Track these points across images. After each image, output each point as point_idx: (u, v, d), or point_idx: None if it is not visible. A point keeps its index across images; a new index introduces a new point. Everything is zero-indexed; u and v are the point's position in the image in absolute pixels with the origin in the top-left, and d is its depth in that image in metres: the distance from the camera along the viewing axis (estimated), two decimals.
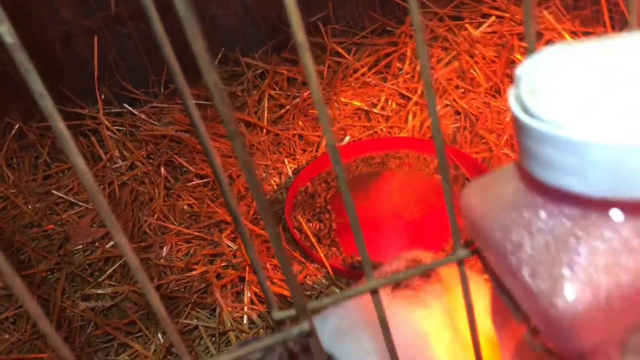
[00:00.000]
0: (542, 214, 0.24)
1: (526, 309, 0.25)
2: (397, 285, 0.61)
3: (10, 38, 0.23)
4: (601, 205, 0.22)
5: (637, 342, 0.23)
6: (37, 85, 0.24)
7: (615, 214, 0.22)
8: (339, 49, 1.31)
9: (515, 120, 0.24)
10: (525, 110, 0.23)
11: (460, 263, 0.33)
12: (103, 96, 1.25)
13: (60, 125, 0.25)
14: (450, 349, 0.57)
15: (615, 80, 0.23)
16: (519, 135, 0.24)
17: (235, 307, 0.88)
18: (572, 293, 0.21)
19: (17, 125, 1.19)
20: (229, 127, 0.26)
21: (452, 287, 0.68)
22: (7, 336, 0.91)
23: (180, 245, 1.03)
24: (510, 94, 0.25)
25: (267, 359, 0.52)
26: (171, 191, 1.14)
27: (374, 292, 0.34)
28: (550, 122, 0.22)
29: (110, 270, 0.98)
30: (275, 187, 1.17)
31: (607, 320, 0.22)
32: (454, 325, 0.64)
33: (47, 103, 0.24)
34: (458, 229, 0.33)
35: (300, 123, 1.23)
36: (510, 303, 0.27)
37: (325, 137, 0.27)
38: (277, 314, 0.30)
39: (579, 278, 0.22)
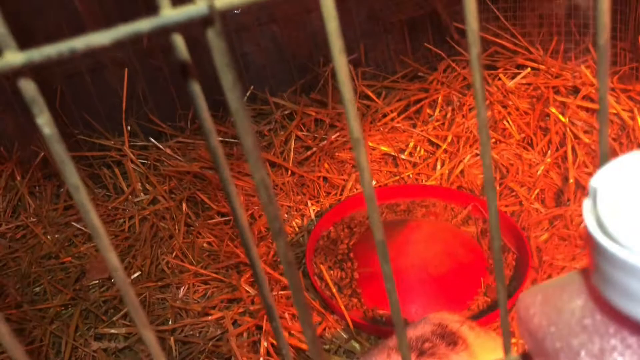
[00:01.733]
0: (618, 345, 0.21)
1: None
2: (421, 353, 0.58)
3: (48, 129, 0.21)
4: None
5: None
6: (73, 179, 0.22)
7: None
8: (369, 92, 1.30)
9: (591, 239, 0.21)
10: (604, 231, 0.21)
11: None
12: (129, 128, 1.25)
13: (94, 219, 0.23)
14: None
15: None
16: (593, 255, 0.22)
17: (251, 358, 0.85)
18: None
19: (42, 154, 1.19)
20: (274, 224, 0.24)
21: (478, 355, 0.64)
22: None
23: (198, 286, 1.00)
24: (586, 207, 0.22)
25: None
26: (191, 228, 1.12)
27: None
28: (634, 250, 0.19)
29: (125, 310, 0.96)
30: (297, 229, 1.15)
31: None
32: None
33: (81, 197, 0.22)
34: (509, 329, 0.30)
35: (326, 165, 1.21)
36: None
37: (362, 185, 0.25)
38: None
39: None
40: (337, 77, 0.23)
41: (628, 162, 0.23)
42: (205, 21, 0.19)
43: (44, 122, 0.22)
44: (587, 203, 0.22)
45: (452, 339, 0.61)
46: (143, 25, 0.19)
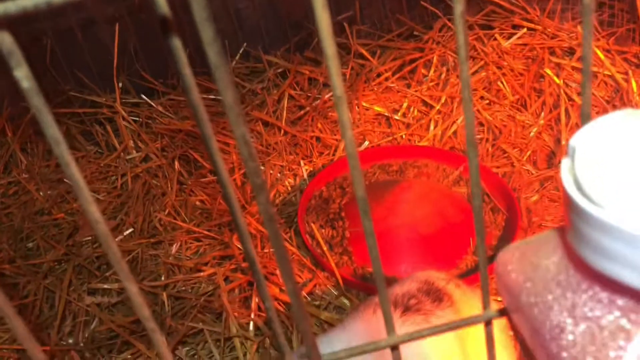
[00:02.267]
0: (589, 301, 0.22)
1: None
2: (407, 309, 0.59)
3: (27, 83, 0.21)
4: None
5: None
6: (52, 130, 0.22)
7: None
8: (364, 51, 1.28)
9: (567, 197, 0.22)
10: (580, 190, 0.21)
11: (488, 323, 0.31)
12: (121, 85, 1.24)
13: (75, 173, 0.23)
14: None
15: None
16: (569, 213, 0.22)
17: (242, 313, 0.87)
18: None
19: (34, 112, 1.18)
20: (255, 180, 0.24)
21: (463, 312, 0.65)
22: None
23: (190, 243, 1.01)
24: (564, 166, 0.22)
25: None
26: (184, 186, 1.12)
27: (395, 349, 0.32)
28: (608, 209, 0.20)
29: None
30: (290, 188, 1.15)
31: None
32: (464, 351, 0.62)
33: (62, 149, 0.22)
34: (488, 286, 0.31)
35: (319, 125, 1.21)
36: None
37: (344, 142, 0.25)
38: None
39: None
40: (320, 34, 0.23)
41: (608, 122, 0.23)
42: None
43: (22, 75, 0.21)
44: (565, 161, 0.22)
45: (437, 296, 0.63)
46: None
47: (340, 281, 0.93)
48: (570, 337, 0.22)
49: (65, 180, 1.13)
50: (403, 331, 0.60)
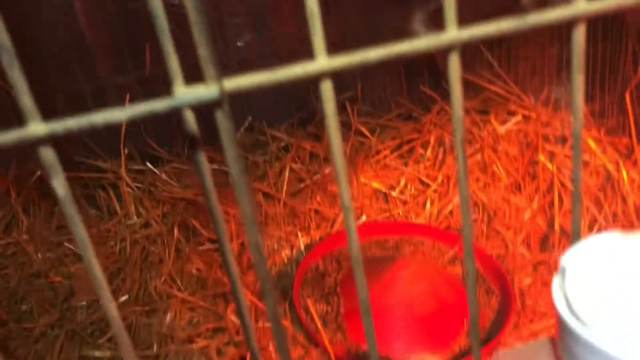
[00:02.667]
0: None
1: None
2: None
3: (62, 191, 0.23)
4: None
5: None
6: (79, 231, 0.24)
7: None
8: (364, 129, 1.33)
9: (558, 314, 0.23)
10: (570, 308, 0.23)
11: None
12: (127, 151, 1.27)
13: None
14: None
15: None
16: (560, 327, 0.24)
17: None
18: None
19: (39, 172, 1.20)
20: (265, 285, 0.26)
21: None
22: None
23: (184, 313, 1.01)
24: (555, 283, 0.24)
25: None
26: (181, 253, 1.13)
27: None
28: (595, 330, 0.22)
29: (111, 333, 0.97)
30: (286, 260, 1.16)
31: None
32: None
33: (89, 255, 0.24)
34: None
35: (318, 198, 1.23)
36: None
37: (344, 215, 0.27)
38: None
39: None
40: (333, 156, 0.25)
41: (597, 243, 0.25)
42: (215, 104, 0.21)
43: (59, 184, 0.24)
44: (556, 279, 0.24)
45: None
46: (158, 105, 0.21)
47: (334, 359, 0.93)
48: None
49: (65, 243, 1.14)
50: None
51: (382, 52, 0.27)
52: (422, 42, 0.27)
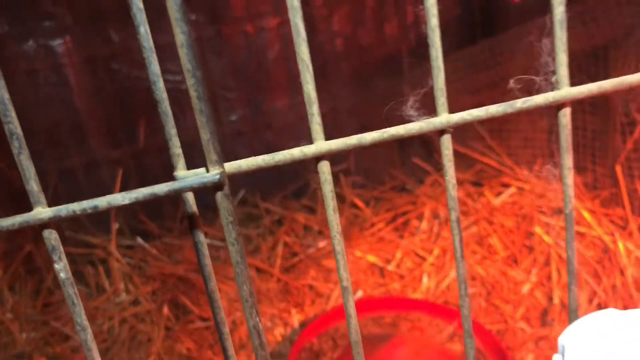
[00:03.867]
0: None
1: None
2: None
3: (64, 274, 0.22)
4: None
5: None
6: (80, 319, 0.23)
7: None
8: (358, 201, 1.32)
9: None
10: None
11: None
12: (117, 226, 1.25)
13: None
14: None
15: None
16: None
17: None
18: None
19: (28, 249, 1.18)
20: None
21: None
22: None
23: None
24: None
25: None
26: (171, 331, 1.09)
27: None
28: None
29: None
30: (280, 338, 1.13)
31: None
32: None
33: (87, 337, 0.23)
34: None
35: (312, 273, 1.21)
36: None
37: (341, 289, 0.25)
38: None
39: None
40: (332, 237, 0.24)
41: (595, 321, 0.24)
42: (216, 186, 0.21)
43: (61, 267, 0.22)
44: (556, 357, 0.23)
45: None
46: (161, 189, 0.20)
47: None
48: None
49: (51, 322, 1.10)
50: None
51: (376, 135, 0.27)
52: (415, 126, 0.28)
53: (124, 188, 1.26)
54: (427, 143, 1.41)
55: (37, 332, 1.09)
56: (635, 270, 1.02)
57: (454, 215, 0.25)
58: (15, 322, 1.11)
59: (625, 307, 0.97)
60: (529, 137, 1.26)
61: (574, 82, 0.27)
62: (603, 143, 1.15)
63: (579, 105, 1.14)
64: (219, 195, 0.21)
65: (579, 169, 1.16)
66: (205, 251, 0.24)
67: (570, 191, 0.33)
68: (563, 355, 0.23)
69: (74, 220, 1.25)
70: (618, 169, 1.05)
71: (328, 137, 0.27)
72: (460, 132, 1.36)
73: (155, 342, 1.07)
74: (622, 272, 1.03)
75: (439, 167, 1.35)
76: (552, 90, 0.28)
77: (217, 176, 0.20)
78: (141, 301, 1.15)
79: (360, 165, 1.42)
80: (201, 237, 0.23)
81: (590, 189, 1.18)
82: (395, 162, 1.40)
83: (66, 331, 1.09)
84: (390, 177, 1.39)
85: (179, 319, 1.13)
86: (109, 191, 1.26)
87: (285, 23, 1.29)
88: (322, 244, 1.23)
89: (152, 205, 1.31)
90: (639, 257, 1.02)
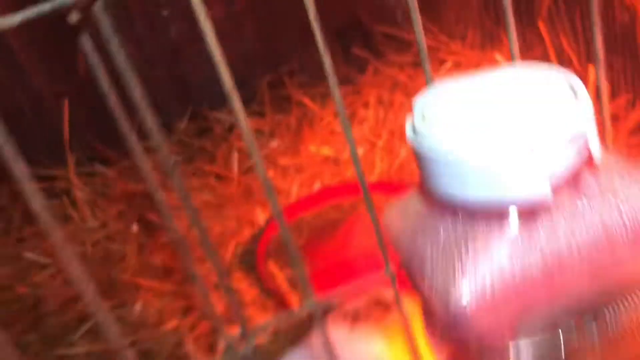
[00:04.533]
0: (440, 228, 0.26)
1: (436, 309, 0.27)
2: (356, 318, 0.63)
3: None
4: (485, 215, 0.25)
5: (528, 324, 0.25)
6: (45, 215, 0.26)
7: (496, 222, 0.24)
8: (306, 100, 1.35)
9: (412, 148, 0.26)
10: (418, 136, 0.26)
11: (392, 279, 0.35)
12: (75, 157, 1.27)
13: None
14: None
15: (487, 108, 0.26)
16: (417, 161, 0.27)
17: (209, 356, 0.88)
18: (462, 295, 0.23)
19: None
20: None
21: (413, 318, 0.69)
22: None
23: (153, 301, 1.03)
24: (407, 123, 0.27)
25: None
26: (143, 247, 1.14)
27: (313, 313, 0.36)
28: (432, 144, 0.25)
29: (83, 330, 0.98)
30: (249, 237, 1.19)
31: (495, 314, 0.24)
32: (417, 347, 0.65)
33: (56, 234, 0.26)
34: (385, 247, 0.35)
35: (271, 172, 1.25)
36: (426, 307, 0.29)
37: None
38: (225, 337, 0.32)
39: (467, 275, 0.24)
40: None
41: (442, 86, 0.29)
42: None
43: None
44: (408, 119, 0.27)
45: (386, 305, 0.66)
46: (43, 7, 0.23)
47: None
48: (430, 261, 0.26)
49: (26, 254, 1.14)
50: (355, 340, 0.63)
51: None
52: None
53: (72, 119, 1.28)
54: (365, 35, 1.44)
55: (12, 265, 1.13)
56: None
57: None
58: None
59: None
60: (462, 13, 1.29)
61: None
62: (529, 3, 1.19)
63: None
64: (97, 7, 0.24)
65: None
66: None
67: (515, 46, 0.36)
68: (414, 113, 0.27)
69: (29, 158, 1.27)
70: (541, 26, 1.09)
71: None
72: (395, 15, 1.38)
73: (130, 259, 1.12)
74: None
75: (378, 56, 1.38)
76: None
77: None
78: (109, 224, 1.19)
79: (305, 64, 1.44)
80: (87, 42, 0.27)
81: (522, 52, 1.22)
82: (338, 57, 1.42)
83: (42, 260, 1.13)
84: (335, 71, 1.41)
85: (149, 235, 1.18)
86: (58, 125, 1.27)
87: None
88: (274, 144, 1.27)
89: (106, 132, 1.33)
90: None
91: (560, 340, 0.28)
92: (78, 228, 1.19)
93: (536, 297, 0.27)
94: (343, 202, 1.23)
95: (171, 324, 0.96)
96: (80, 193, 1.22)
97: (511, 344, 0.28)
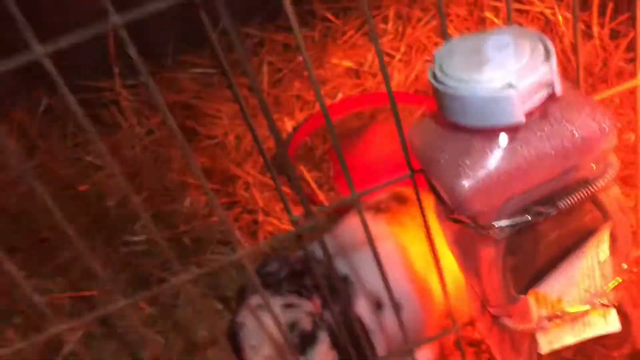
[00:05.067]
0: (449, 142, 0.40)
1: (445, 198, 0.41)
2: (379, 210, 0.77)
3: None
4: (480, 134, 0.38)
5: (507, 208, 0.39)
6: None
7: (487, 138, 0.38)
8: (329, 15, 1.44)
9: (432, 88, 0.39)
10: (435, 78, 0.39)
11: (412, 177, 0.49)
12: (117, 70, 1.39)
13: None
14: (424, 257, 0.73)
15: (483, 60, 0.38)
16: (436, 97, 0.40)
17: (251, 242, 1.05)
18: (463, 189, 0.37)
19: (45, 101, 1.34)
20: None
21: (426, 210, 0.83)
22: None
23: (200, 197, 1.19)
24: (429, 70, 0.40)
25: (270, 265, 0.68)
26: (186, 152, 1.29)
27: (356, 202, 0.50)
28: (445, 85, 0.38)
29: (142, 220, 1.15)
30: (277, 143, 1.32)
31: (484, 201, 0.38)
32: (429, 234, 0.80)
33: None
34: (408, 151, 0.49)
35: (297, 84, 1.37)
36: (439, 198, 0.43)
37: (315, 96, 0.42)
38: (293, 217, 0.46)
39: (467, 173, 0.37)
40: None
41: (457, 40, 0.41)
42: None
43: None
44: (430, 67, 0.40)
45: (403, 199, 0.80)
46: None
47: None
48: (442, 162, 0.40)
49: (85, 157, 1.30)
50: (378, 225, 0.77)
51: None
52: None
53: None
54: None
55: (73, 167, 1.29)
56: (570, 35, 1.18)
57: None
58: (53, 163, 1.30)
59: (564, 70, 1.15)
60: None
61: None
62: None
63: None
64: None
65: None
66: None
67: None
68: (434, 62, 0.40)
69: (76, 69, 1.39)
70: None
71: None
72: None
73: (176, 160, 1.27)
74: (560, 39, 1.20)
75: None
76: None
77: None
78: (154, 130, 1.33)
79: None
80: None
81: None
82: None
83: (97, 162, 1.29)
84: None
85: (190, 141, 1.32)
86: (101, 41, 1.38)
87: None
88: (301, 58, 1.38)
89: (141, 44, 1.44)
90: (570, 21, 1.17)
91: (528, 220, 0.42)
92: (127, 134, 1.33)
93: (514, 189, 0.41)
94: (364, 110, 1.35)
95: (216, 217, 1.13)
96: (127, 103, 1.36)
97: (495, 223, 0.42)
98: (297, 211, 1.14)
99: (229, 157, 1.26)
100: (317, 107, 1.34)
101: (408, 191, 0.86)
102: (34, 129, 1.34)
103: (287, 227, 1.06)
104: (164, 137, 1.31)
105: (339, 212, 1.11)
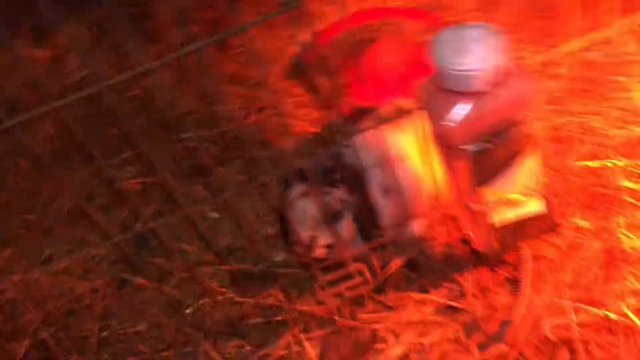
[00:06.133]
0: (441, 96, 0.65)
1: (435, 132, 0.67)
2: (386, 119, 1.02)
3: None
4: (460, 94, 0.63)
5: (473, 139, 0.65)
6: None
7: (465, 96, 0.63)
8: None
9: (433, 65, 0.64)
10: (433, 57, 0.63)
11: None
12: None
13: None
14: (422, 157, 0.99)
15: (462, 47, 0.62)
16: (436, 72, 0.64)
17: (287, 141, 1.30)
18: (448, 124, 0.63)
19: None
20: None
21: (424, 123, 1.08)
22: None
23: (235, 100, 1.42)
24: (430, 50, 0.64)
25: (313, 161, 0.94)
26: (216, 60, 1.50)
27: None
28: (439, 63, 0.62)
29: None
30: (295, 54, 1.54)
31: (462, 133, 0.64)
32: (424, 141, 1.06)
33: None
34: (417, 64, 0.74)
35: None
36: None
37: None
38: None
39: (449, 119, 0.63)
40: None
41: (450, 29, 0.65)
42: None
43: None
44: (430, 49, 0.64)
45: (405, 110, 1.05)
46: None
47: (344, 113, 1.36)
48: (436, 108, 0.65)
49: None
50: (384, 132, 1.03)
51: None
52: None
53: None
54: None
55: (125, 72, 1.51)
56: None
57: None
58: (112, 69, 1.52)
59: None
60: None
61: None
62: None
63: None
64: None
65: None
66: None
67: None
68: (434, 46, 0.64)
69: None
70: None
71: None
72: None
73: (212, 68, 1.49)
74: None
75: None
76: None
77: None
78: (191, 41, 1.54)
79: None
80: None
81: None
82: None
83: (148, 66, 1.50)
84: None
85: (220, 50, 1.53)
86: None
87: None
88: None
89: None
90: None
91: (487, 146, 0.68)
92: (164, 45, 1.54)
93: (481, 126, 0.67)
94: (372, 23, 1.54)
95: (251, 119, 1.38)
96: (163, 17, 1.55)
97: (468, 147, 0.68)
98: (314, 114, 1.38)
99: (257, 64, 1.48)
100: (331, 19, 1.54)
101: (409, 103, 1.10)
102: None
103: (313, 129, 1.31)
104: (199, 50, 1.52)
105: (353, 117, 1.35)
